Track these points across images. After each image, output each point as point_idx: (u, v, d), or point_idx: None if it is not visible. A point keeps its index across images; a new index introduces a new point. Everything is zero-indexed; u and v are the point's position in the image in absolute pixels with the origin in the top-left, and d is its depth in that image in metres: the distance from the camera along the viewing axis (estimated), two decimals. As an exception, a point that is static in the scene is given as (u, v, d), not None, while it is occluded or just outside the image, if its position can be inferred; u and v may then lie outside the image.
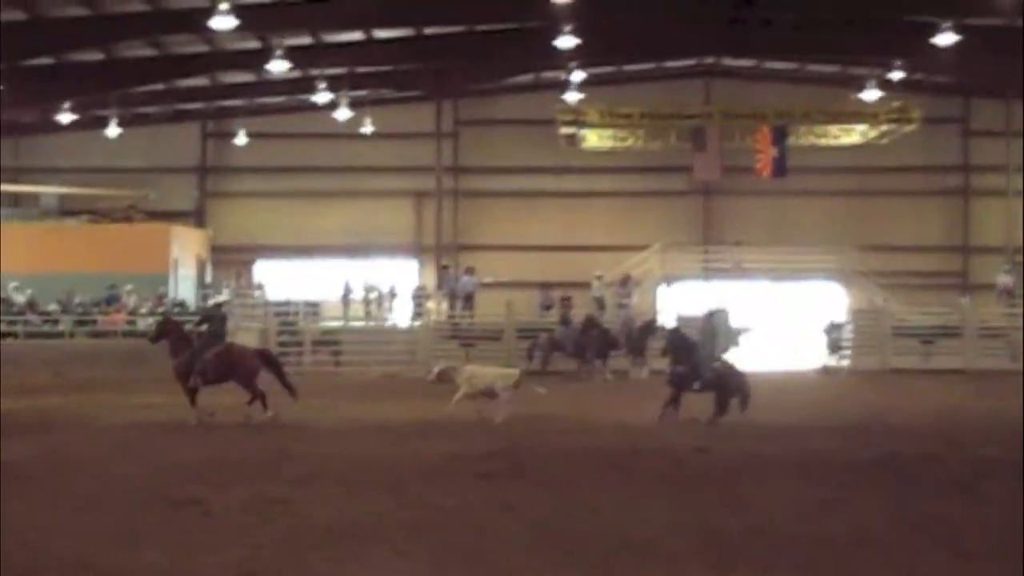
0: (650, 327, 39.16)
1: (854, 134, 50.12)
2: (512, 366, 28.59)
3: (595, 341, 39.32)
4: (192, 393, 24.32)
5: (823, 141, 50.37)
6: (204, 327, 25.60)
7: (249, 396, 24.06)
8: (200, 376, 24.32)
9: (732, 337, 42.56)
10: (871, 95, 48.86)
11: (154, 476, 16.25)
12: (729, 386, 24.31)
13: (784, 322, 46.35)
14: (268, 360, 25.06)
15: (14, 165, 53.81)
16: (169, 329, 26.00)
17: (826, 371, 41.40)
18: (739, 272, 48.24)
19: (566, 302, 42.85)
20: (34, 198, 53.32)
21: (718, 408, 24.03)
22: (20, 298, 46.09)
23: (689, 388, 24.47)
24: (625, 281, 45.44)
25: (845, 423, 23.91)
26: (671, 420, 23.88)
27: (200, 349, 24.62)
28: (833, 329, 42.57)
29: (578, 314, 41.36)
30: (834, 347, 42.33)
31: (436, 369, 24.87)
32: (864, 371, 40.42)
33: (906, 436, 21.42)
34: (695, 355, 24.70)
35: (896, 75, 47.06)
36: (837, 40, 42.86)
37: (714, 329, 25.57)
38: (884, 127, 49.37)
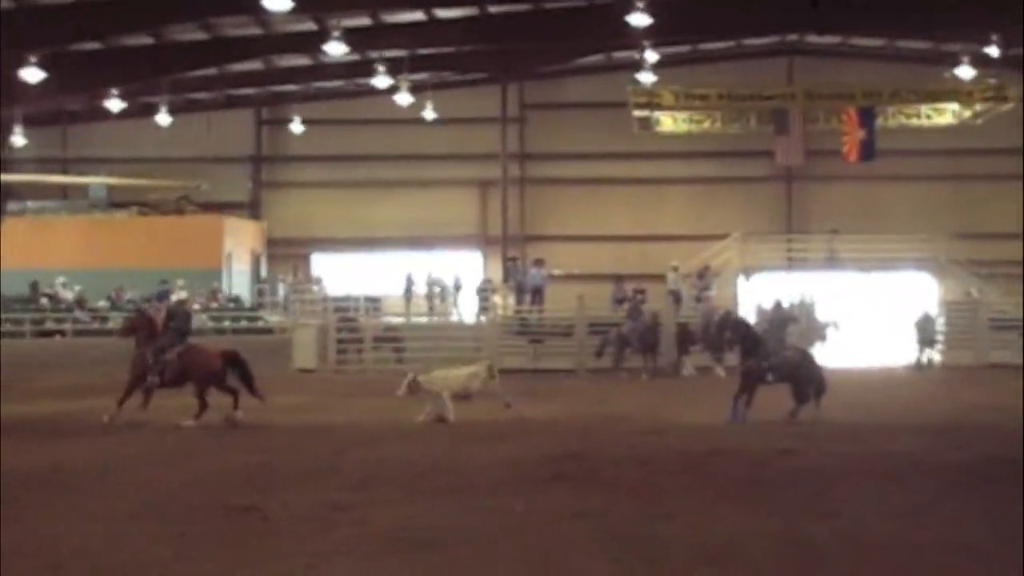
0: (727, 321, 39.00)
1: (947, 114, 49.67)
2: (481, 361, 28.15)
3: (655, 336, 39.25)
4: (147, 392, 24.50)
5: (913, 122, 49.97)
6: (169, 324, 25.52)
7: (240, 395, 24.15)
8: (159, 376, 24.45)
9: (819, 331, 42.69)
10: (965, 72, 48.35)
11: (210, 482, 16.38)
12: (804, 376, 24.32)
13: (872, 315, 46.08)
14: (234, 361, 24.81)
15: (61, 155, 54.41)
16: (141, 324, 25.88)
17: (917, 367, 41.09)
18: (834, 263, 48.02)
19: (639, 295, 42.78)
20: (82, 190, 53.85)
21: (796, 399, 24.06)
22: (68, 294, 46.59)
23: (762, 381, 24.45)
24: (703, 273, 45.33)
25: (937, 422, 23.75)
26: (740, 416, 23.84)
27: (163, 347, 24.66)
28: (925, 322, 42.21)
29: (650, 308, 41.28)
30: (926, 341, 41.97)
31: (405, 382, 24.70)
32: (958, 366, 40.07)
33: (1003, 437, 21.17)
34: (762, 347, 24.73)
35: (992, 51, 46.52)
36: (928, 14, 42.47)
37: (782, 320, 25.67)
38: (979, 106, 48.86)
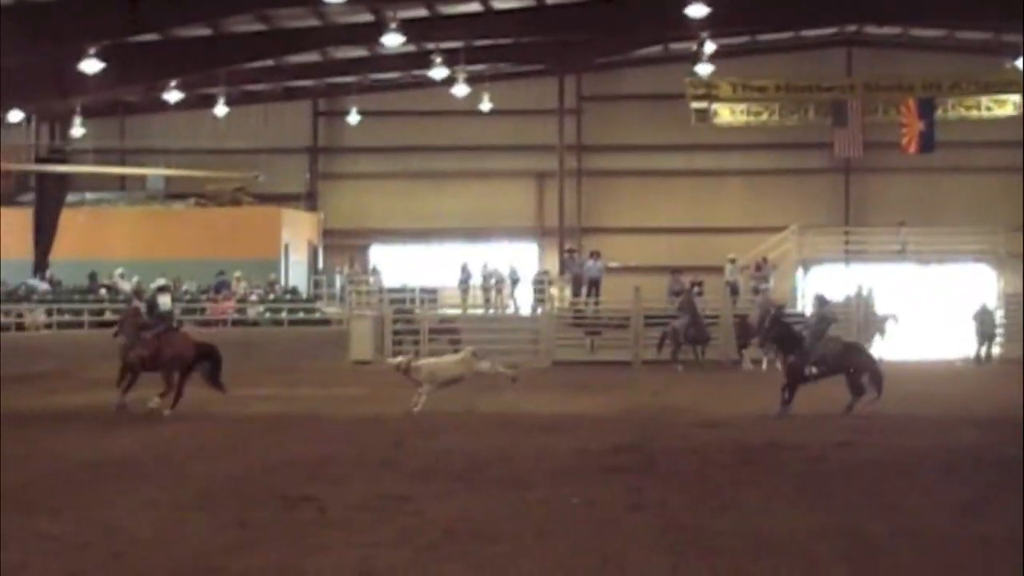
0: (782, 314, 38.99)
1: (1007, 105, 49.24)
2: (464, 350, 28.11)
3: (703, 329, 39.36)
4: (122, 373, 25.01)
5: (974, 114, 49.57)
6: (152, 313, 26.24)
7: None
8: (139, 359, 24.85)
9: (878, 324, 42.51)
10: (1026, 63, 47.99)
11: (266, 472, 16.50)
12: (855, 367, 24.27)
13: (931, 308, 45.85)
14: (208, 355, 25.36)
15: (119, 146, 54.71)
16: (127, 318, 26.81)
17: (976, 360, 40.86)
18: (904, 255, 47.78)
19: (696, 287, 42.79)
20: (140, 181, 54.16)
21: (852, 391, 24.02)
22: (126, 285, 46.84)
23: (804, 377, 24.38)
24: (760, 265, 45.27)
25: (996, 416, 23.63)
26: (783, 413, 23.82)
27: (149, 332, 25.44)
28: (983, 315, 41.95)
29: (708, 300, 41.27)
30: (985, 335, 41.71)
31: (397, 360, 24.92)
32: (1017, 360, 39.80)
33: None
34: (802, 342, 24.70)
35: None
36: (988, 4, 42.14)
37: (821, 316, 25.66)
38: (1041, 97, 48.49)
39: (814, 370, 24.40)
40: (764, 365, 36.25)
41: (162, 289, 27.77)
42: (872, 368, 24.52)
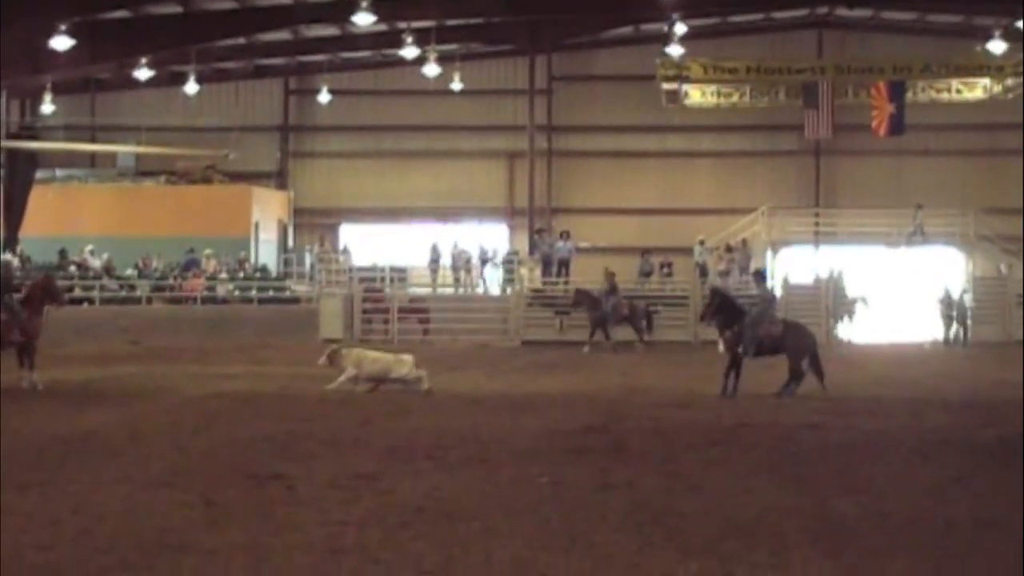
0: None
1: (977, 89, 49.44)
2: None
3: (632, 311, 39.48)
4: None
5: (944, 96, 49.75)
6: None
7: None
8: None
9: (847, 306, 42.64)
10: (996, 47, 48.07)
11: (236, 450, 16.42)
12: (792, 350, 23.96)
13: (901, 291, 46.01)
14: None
15: (90, 123, 54.49)
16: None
17: (945, 343, 41.02)
18: (918, 237, 47.80)
19: (665, 268, 42.88)
20: (110, 158, 53.98)
21: (789, 374, 23.77)
22: (96, 262, 46.73)
23: (741, 355, 24.07)
24: (731, 247, 45.44)
25: (966, 399, 23.70)
26: (729, 389, 23.66)
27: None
28: (953, 298, 42.12)
29: (677, 282, 41.36)
30: (955, 318, 41.88)
31: (327, 352, 24.77)
32: (986, 343, 40.00)
33: (1032, 413, 21.12)
34: (743, 318, 24.38)
35: (1023, 24, 46.26)
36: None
37: (769, 292, 25.44)
38: (1010, 81, 48.65)
39: (748, 350, 24.13)
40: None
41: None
42: (812, 352, 24.20)
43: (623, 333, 39.47)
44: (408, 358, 25.19)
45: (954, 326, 41.92)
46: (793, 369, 23.83)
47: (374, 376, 24.22)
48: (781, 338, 24.12)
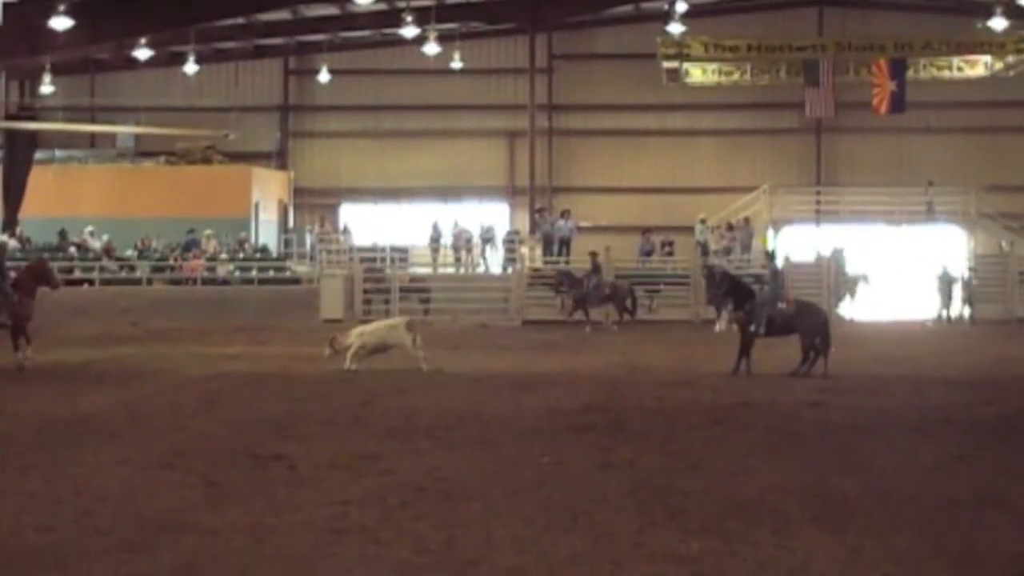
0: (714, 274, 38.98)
1: (979, 66, 49.27)
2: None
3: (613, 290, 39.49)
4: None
5: (945, 74, 49.57)
6: None
7: None
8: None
9: (849, 284, 42.60)
10: (998, 24, 47.88)
11: (237, 431, 16.44)
12: (803, 329, 23.97)
13: (902, 269, 45.95)
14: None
15: (89, 104, 54.40)
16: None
17: (947, 321, 40.99)
18: (932, 215, 47.68)
19: (667, 247, 42.83)
20: (110, 138, 53.92)
21: (804, 353, 23.81)
22: (96, 243, 46.70)
23: (754, 333, 24.09)
24: (732, 225, 45.37)
25: (967, 376, 23.70)
26: (737, 372, 23.70)
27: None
28: (955, 276, 42.07)
29: (678, 260, 41.27)
30: (957, 296, 41.83)
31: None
32: (988, 321, 39.98)
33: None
34: (753, 296, 24.51)
35: (1025, 2, 46.15)
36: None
37: (774, 273, 25.50)
38: (1011, 58, 48.44)
39: (761, 329, 24.21)
40: (722, 326, 36.06)
41: None
42: (823, 332, 24.17)
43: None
44: (397, 320, 25.26)
45: (956, 304, 41.86)
46: (806, 348, 23.84)
47: (374, 347, 24.32)
48: (793, 317, 24.18)
